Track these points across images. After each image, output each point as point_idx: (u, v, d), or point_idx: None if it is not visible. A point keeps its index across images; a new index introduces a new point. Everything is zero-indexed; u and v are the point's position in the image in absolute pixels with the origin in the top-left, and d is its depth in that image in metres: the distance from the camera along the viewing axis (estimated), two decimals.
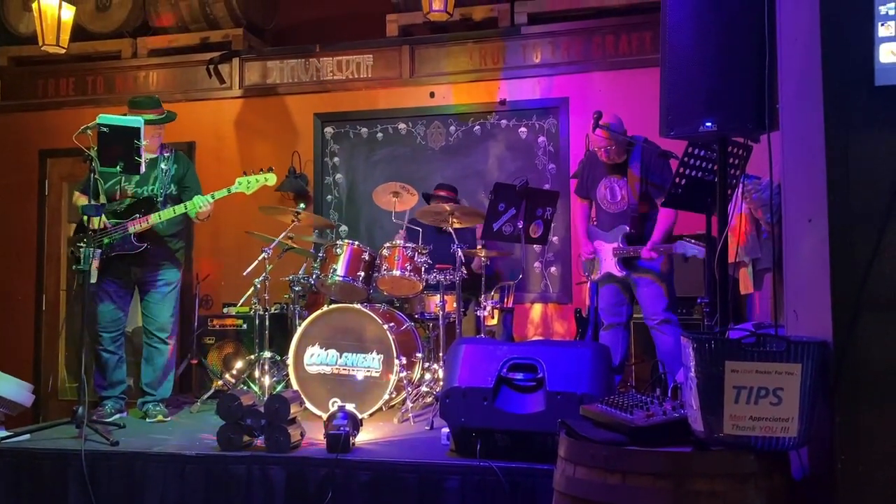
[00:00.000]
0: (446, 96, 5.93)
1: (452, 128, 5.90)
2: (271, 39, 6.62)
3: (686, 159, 3.42)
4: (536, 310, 5.68)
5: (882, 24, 1.76)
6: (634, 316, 4.54)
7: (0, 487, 3.55)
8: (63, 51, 5.37)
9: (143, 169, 3.96)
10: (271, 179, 4.48)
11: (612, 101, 5.50)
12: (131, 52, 6.46)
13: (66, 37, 5.29)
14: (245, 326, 5.44)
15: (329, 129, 6.13)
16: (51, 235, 6.59)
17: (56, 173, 6.60)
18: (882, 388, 1.82)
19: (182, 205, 4.34)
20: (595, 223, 4.45)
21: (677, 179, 3.50)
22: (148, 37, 6.46)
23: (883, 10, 1.76)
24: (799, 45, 2.01)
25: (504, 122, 5.82)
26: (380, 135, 6.04)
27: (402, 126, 5.99)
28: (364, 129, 6.06)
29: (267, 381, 4.55)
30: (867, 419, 1.82)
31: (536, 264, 5.69)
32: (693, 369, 1.93)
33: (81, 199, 4.36)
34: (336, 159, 6.12)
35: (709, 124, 2.56)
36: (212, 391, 4.85)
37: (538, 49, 5.78)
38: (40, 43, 5.29)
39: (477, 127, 5.86)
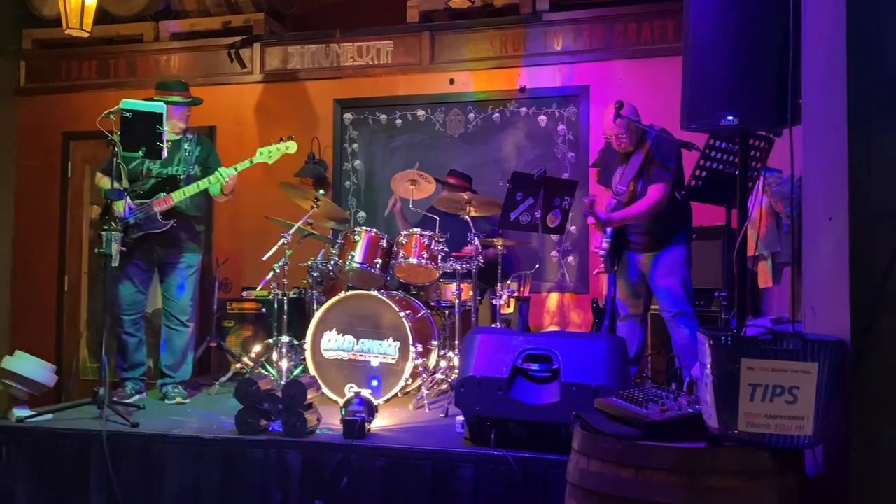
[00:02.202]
0: (466, 83, 5.91)
1: (471, 115, 5.89)
2: (292, 24, 6.63)
3: (707, 151, 3.40)
4: (553, 299, 5.68)
5: None
6: (652, 307, 4.53)
7: (24, 465, 3.63)
8: (86, 34, 5.40)
9: (164, 154, 3.98)
10: (292, 147, 4.49)
11: (634, 90, 5.46)
12: (153, 36, 6.50)
13: (89, 21, 5.32)
14: (264, 310, 5.49)
15: (348, 115, 6.14)
16: (73, 217, 6.68)
17: (79, 156, 6.68)
18: None
19: (206, 179, 4.36)
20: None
21: (698, 171, 3.48)
22: (170, 20, 6.49)
23: None
24: (823, 42, 1.99)
25: (524, 109, 5.80)
26: (398, 121, 6.04)
27: (420, 113, 5.98)
28: (383, 116, 6.07)
29: (284, 364, 4.60)
30: (883, 420, 1.81)
31: (554, 253, 5.68)
32: (709, 366, 1.93)
33: (104, 181, 4.41)
34: (355, 145, 6.13)
35: (730, 118, 2.54)
36: (230, 374, 4.92)
37: (559, 36, 5.74)
38: (64, 27, 5.33)
39: (496, 114, 5.84)
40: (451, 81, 5.92)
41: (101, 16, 6.04)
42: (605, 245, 4.21)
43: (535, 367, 3.20)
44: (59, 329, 6.57)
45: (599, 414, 2.32)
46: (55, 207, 6.64)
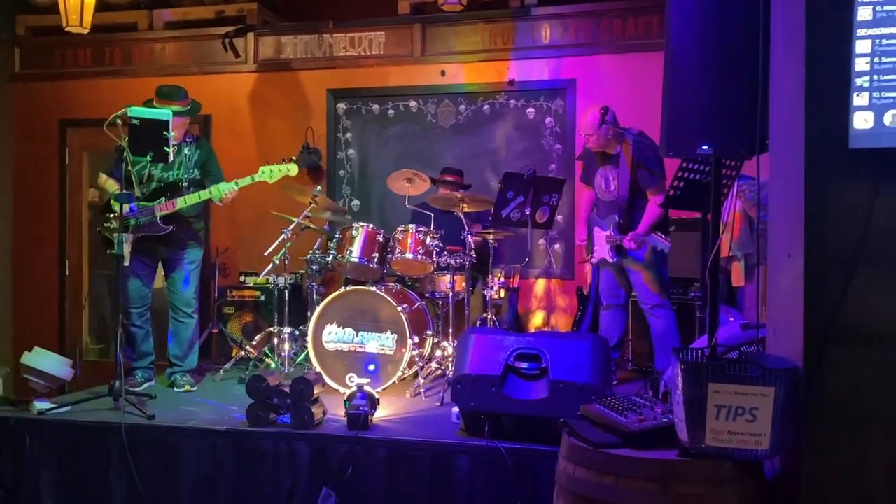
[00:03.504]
0: (456, 75, 6.07)
1: (462, 107, 6.06)
2: (285, 13, 6.71)
3: (685, 164, 3.64)
4: (540, 285, 5.95)
5: (857, 95, 1.97)
6: (632, 296, 4.81)
7: (47, 455, 3.87)
8: (86, 31, 5.50)
9: (171, 158, 4.20)
10: (293, 170, 4.69)
11: (619, 84, 5.67)
12: (147, 24, 6.58)
13: (88, 17, 5.40)
14: (263, 298, 5.73)
15: (342, 105, 6.30)
16: (72, 202, 6.82)
17: (76, 142, 6.79)
18: (844, 412, 2.09)
19: (207, 190, 4.56)
20: (595, 211, 4.69)
21: (676, 182, 3.72)
22: (163, 9, 6.57)
23: (859, 81, 1.97)
24: (788, 100, 2.22)
25: (513, 102, 5.99)
26: (391, 112, 6.21)
27: (413, 104, 6.15)
28: (376, 106, 6.23)
29: (285, 352, 4.86)
30: (830, 438, 2.10)
31: (541, 241, 5.93)
32: (680, 386, 2.20)
33: (109, 184, 4.61)
34: (348, 135, 6.30)
35: (705, 147, 2.77)
36: (233, 360, 5.17)
37: (547, 30, 5.90)
38: (64, 24, 5.41)
39: (486, 106, 6.02)
40: (443, 73, 6.08)
41: (96, 3, 6.09)
42: (603, 254, 4.49)
43: (525, 365, 3.49)
44: (62, 313, 6.76)
45: (584, 420, 2.59)
46: (54, 193, 6.75)
